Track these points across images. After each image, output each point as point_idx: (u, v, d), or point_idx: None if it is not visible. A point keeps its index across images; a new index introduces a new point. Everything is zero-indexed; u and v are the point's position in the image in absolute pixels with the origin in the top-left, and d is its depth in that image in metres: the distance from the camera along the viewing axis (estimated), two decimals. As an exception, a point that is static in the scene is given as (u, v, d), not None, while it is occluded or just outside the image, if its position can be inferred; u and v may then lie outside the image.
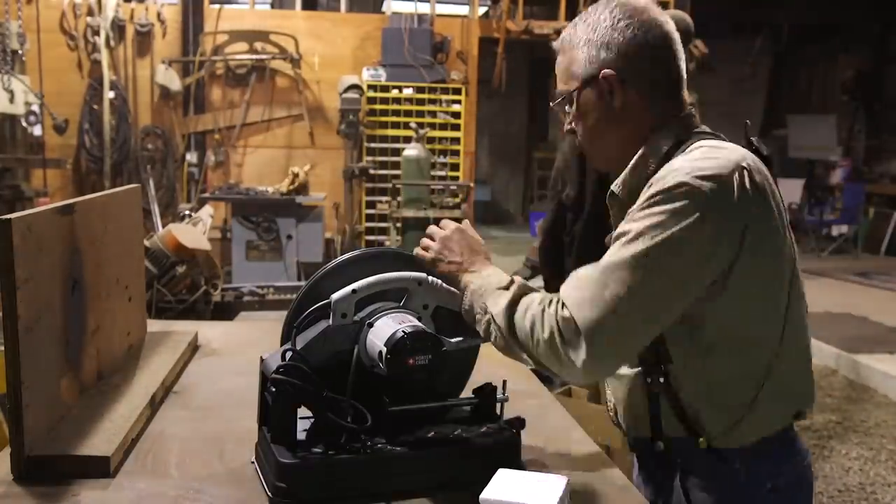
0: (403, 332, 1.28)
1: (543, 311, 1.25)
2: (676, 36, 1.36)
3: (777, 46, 13.63)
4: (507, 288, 1.34)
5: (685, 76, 1.39)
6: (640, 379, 1.38)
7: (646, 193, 1.26)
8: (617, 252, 1.24)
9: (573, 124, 1.42)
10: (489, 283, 1.35)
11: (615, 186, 1.41)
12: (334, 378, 1.33)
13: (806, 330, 1.40)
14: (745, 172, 1.26)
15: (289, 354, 1.30)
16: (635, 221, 1.24)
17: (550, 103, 1.46)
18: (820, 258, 11.12)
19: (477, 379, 1.50)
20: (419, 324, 1.34)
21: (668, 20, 1.36)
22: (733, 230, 1.24)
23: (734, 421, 1.33)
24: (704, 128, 1.40)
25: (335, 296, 1.34)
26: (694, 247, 1.22)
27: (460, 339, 1.43)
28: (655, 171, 1.30)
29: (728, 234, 1.24)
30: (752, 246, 1.25)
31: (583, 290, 1.24)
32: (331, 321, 1.34)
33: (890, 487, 4.03)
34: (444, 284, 1.43)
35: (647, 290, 1.21)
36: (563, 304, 1.24)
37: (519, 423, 1.45)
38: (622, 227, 1.27)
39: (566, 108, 1.41)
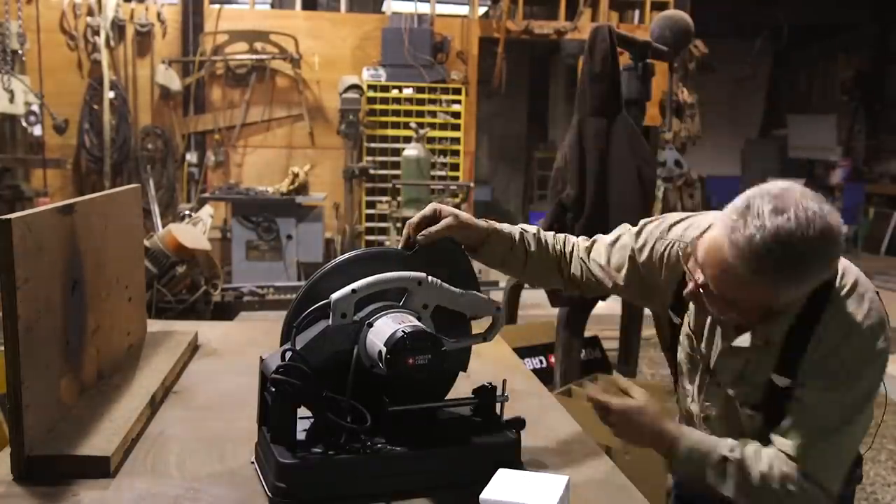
0: (403, 331, 1.28)
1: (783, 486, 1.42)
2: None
3: (777, 46, 13.63)
4: (721, 464, 1.46)
5: None
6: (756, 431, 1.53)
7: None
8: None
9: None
10: (697, 457, 1.48)
11: (770, 333, 1.48)
12: (334, 378, 1.33)
13: None
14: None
15: (288, 354, 1.30)
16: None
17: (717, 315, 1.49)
18: (820, 258, 11.11)
19: (476, 379, 1.50)
20: (419, 323, 1.34)
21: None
22: None
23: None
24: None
25: (335, 295, 1.33)
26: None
27: (460, 338, 1.43)
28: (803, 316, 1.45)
29: None
30: None
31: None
32: (330, 321, 1.34)
33: (890, 487, 4.03)
34: (445, 284, 1.43)
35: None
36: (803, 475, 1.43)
37: (519, 423, 1.45)
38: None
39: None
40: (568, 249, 1.75)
